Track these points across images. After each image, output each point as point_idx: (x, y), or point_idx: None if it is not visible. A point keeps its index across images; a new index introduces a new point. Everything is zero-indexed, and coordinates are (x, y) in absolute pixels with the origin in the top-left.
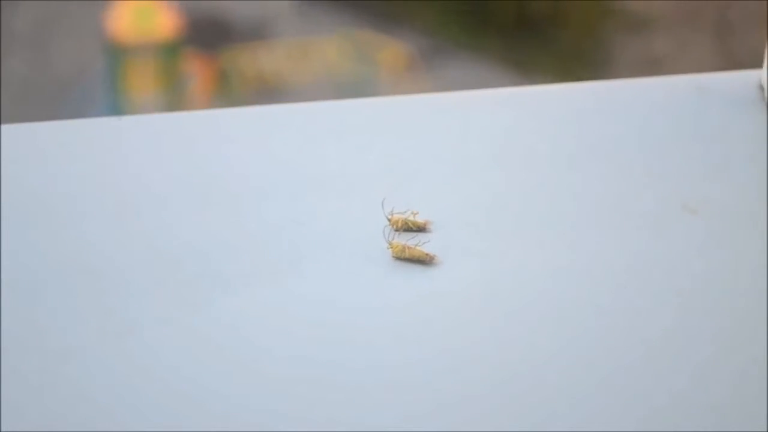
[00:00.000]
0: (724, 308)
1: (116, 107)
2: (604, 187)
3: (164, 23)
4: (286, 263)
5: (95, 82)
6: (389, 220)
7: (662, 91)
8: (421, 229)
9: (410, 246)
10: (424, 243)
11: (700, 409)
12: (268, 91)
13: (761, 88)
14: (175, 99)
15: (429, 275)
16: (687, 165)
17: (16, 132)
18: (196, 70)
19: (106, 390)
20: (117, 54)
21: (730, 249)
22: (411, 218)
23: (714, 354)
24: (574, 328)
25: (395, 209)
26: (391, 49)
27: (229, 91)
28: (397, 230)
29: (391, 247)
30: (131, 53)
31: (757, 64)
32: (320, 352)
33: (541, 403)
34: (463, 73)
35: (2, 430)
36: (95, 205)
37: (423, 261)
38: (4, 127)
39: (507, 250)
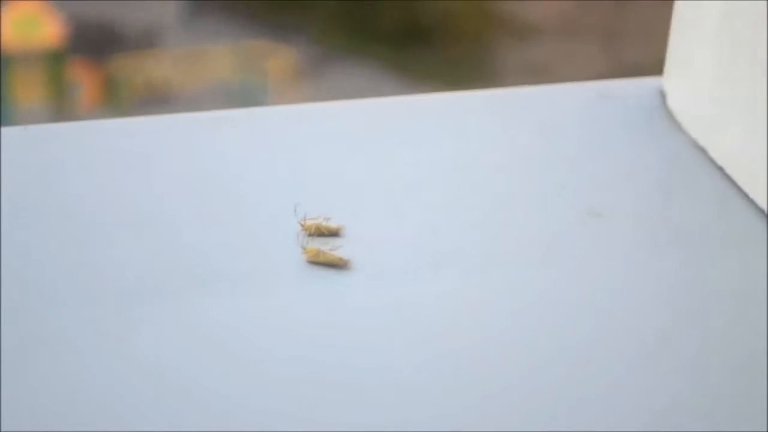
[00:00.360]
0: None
1: (2, 116)
2: (506, 196)
3: (49, 31)
4: (198, 277)
5: None
6: (302, 225)
7: (563, 99)
8: (333, 233)
9: (324, 251)
10: (338, 247)
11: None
12: (156, 100)
13: (662, 94)
14: (62, 107)
15: (343, 281)
16: (590, 172)
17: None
18: (83, 78)
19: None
20: (2, 62)
21: (636, 252)
22: (323, 223)
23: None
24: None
25: (307, 215)
26: (280, 58)
27: (117, 99)
28: (310, 235)
29: (306, 252)
30: (16, 62)
31: (652, 72)
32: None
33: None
34: (351, 80)
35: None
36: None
37: (338, 265)
38: None
39: (418, 256)
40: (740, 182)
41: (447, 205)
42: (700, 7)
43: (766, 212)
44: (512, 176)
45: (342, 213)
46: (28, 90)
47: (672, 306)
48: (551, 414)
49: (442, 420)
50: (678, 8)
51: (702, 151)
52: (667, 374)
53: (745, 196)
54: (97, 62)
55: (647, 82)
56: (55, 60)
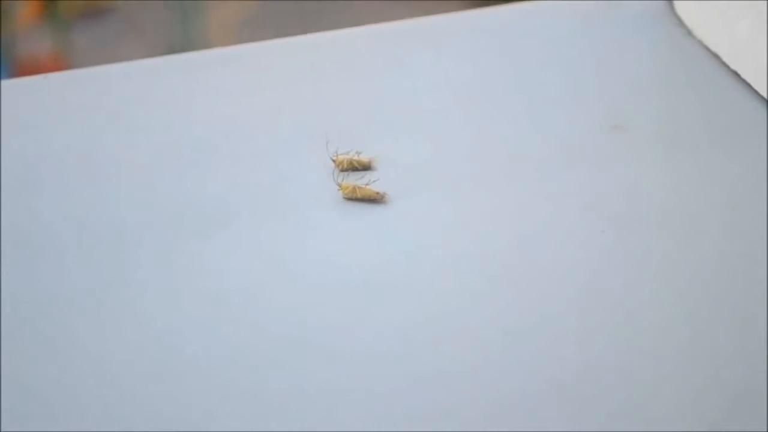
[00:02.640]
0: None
1: None
2: (524, 111)
3: None
4: (245, 215)
5: None
6: (334, 161)
7: (571, 11)
8: (366, 167)
9: (360, 186)
10: (373, 181)
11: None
12: (95, 13)
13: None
14: (1, 25)
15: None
16: (607, 84)
17: None
18: None
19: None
20: None
21: (663, 164)
22: (355, 157)
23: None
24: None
25: (339, 150)
26: None
27: (55, 14)
28: (343, 170)
29: (342, 189)
30: None
31: None
32: (291, 299)
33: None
34: None
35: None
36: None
37: (374, 199)
38: None
39: (452, 185)
40: (751, 81)
41: (466, 125)
42: None
43: None
44: (527, 91)
45: (371, 143)
46: None
47: (690, 211)
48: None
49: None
50: None
51: (713, 55)
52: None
53: (758, 95)
54: None
55: None
56: None
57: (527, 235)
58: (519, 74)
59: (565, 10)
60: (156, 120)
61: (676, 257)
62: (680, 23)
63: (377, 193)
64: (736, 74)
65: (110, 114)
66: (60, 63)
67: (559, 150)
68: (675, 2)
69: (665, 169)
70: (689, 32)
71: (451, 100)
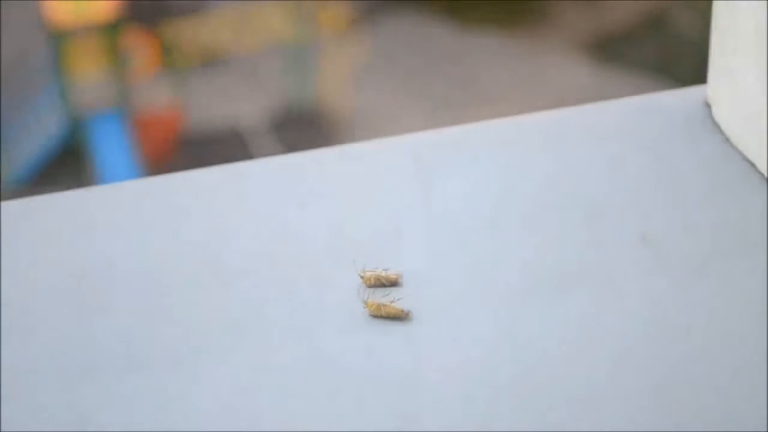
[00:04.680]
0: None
1: (61, 89)
2: (558, 226)
3: (102, 4)
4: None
5: (38, 66)
6: (362, 277)
7: (607, 115)
8: (393, 284)
9: (385, 304)
10: (398, 299)
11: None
12: (212, 62)
13: (707, 104)
14: (119, 77)
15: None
16: (639, 191)
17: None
18: (138, 47)
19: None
20: (58, 37)
21: (691, 279)
22: (383, 274)
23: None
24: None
25: (366, 267)
26: (332, 10)
27: (174, 65)
28: (370, 286)
29: (368, 306)
30: (71, 36)
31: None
32: (321, 408)
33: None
34: (405, 28)
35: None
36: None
37: (399, 317)
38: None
39: (478, 301)
40: None
41: (493, 238)
42: (738, 14)
43: None
44: (556, 202)
45: (396, 257)
46: (85, 63)
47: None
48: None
49: None
50: (716, 15)
51: (750, 164)
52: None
53: None
54: (151, 30)
55: (692, 93)
56: (109, 31)
57: (552, 351)
58: (548, 184)
59: (600, 114)
60: (177, 236)
61: (702, 374)
62: (717, 129)
63: (402, 311)
64: None
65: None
66: (176, 115)
67: (588, 263)
68: (713, 109)
69: (693, 285)
70: (726, 139)
71: (480, 212)
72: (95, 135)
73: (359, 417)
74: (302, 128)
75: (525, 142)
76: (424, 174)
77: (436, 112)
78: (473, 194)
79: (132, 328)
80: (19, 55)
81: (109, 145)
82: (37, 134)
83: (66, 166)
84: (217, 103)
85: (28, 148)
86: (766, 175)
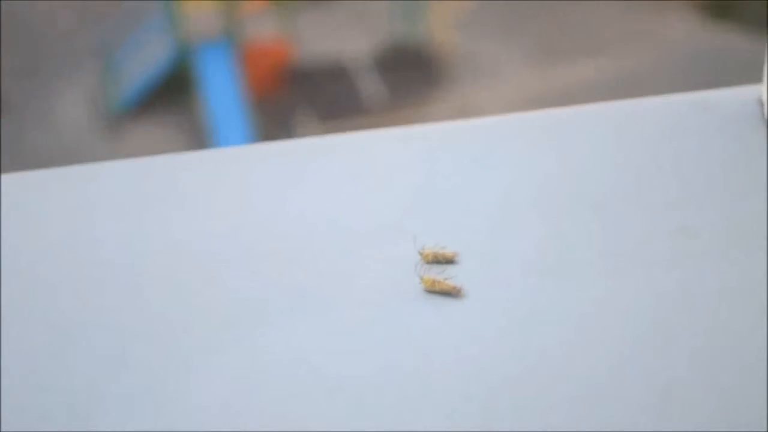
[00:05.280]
0: (725, 317)
1: (171, 16)
2: (606, 211)
3: None
4: (336, 294)
5: None
6: (421, 254)
7: (661, 111)
8: (449, 261)
9: (439, 280)
10: (452, 277)
11: (701, 408)
12: (321, 2)
13: (761, 103)
14: (229, 6)
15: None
16: (689, 186)
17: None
18: None
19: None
20: None
21: (734, 270)
22: (440, 251)
23: (715, 356)
24: (593, 354)
25: (426, 244)
26: None
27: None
28: (428, 263)
29: (423, 281)
30: None
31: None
32: (370, 373)
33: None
34: None
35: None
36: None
37: (451, 293)
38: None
39: (527, 281)
40: None
41: (546, 223)
42: None
43: None
44: (611, 192)
45: (455, 237)
46: None
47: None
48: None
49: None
50: None
51: None
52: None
53: None
54: None
55: (746, 91)
56: None
57: (597, 332)
58: (598, 173)
59: (654, 109)
60: (242, 209)
61: (742, 363)
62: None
63: (454, 287)
64: None
65: (174, 201)
66: (284, 48)
67: (632, 248)
68: (766, 106)
69: (731, 276)
70: None
71: (530, 197)
72: (203, 63)
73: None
74: (406, 67)
75: (579, 132)
76: (474, 158)
77: (539, 59)
78: (522, 181)
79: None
80: None
81: (217, 73)
82: (147, 60)
83: (173, 92)
84: (325, 39)
85: (138, 73)
86: None
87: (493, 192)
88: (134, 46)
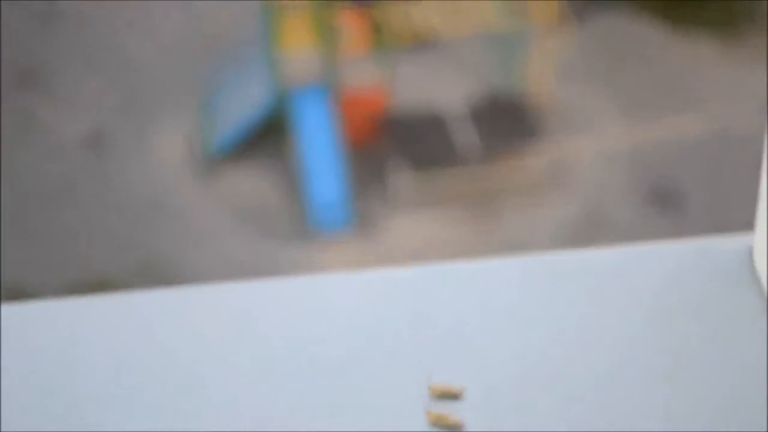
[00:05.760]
0: None
1: (270, 60)
2: (591, 361)
3: None
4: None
5: (249, 36)
6: (430, 390)
7: (650, 260)
8: (456, 396)
9: (444, 415)
10: (457, 412)
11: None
12: (420, 46)
13: (751, 255)
14: (329, 52)
15: None
16: (670, 338)
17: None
18: (350, 24)
19: None
20: (271, 8)
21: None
22: (448, 387)
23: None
24: None
25: (434, 380)
26: (544, 3)
27: (382, 45)
28: (437, 398)
29: (429, 415)
30: (285, 9)
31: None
32: None
33: None
34: (616, 27)
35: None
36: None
37: (453, 428)
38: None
39: (523, 415)
40: None
41: (542, 362)
42: None
43: None
44: (597, 343)
45: (463, 375)
46: (296, 36)
47: None
48: None
49: None
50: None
51: None
52: None
53: None
54: (364, 8)
55: (739, 241)
56: (323, 6)
57: None
58: (593, 319)
59: (646, 258)
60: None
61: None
62: (756, 278)
63: (456, 422)
64: None
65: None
66: (381, 95)
67: (616, 399)
68: (755, 259)
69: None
70: (763, 289)
71: (529, 338)
72: (300, 108)
73: None
74: (501, 118)
75: (578, 278)
76: (481, 299)
77: (634, 113)
78: (524, 322)
79: None
80: (231, 24)
81: (313, 118)
82: (245, 103)
83: (269, 136)
84: (422, 86)
85: (235, 116)
86: None
87: (493, 331)
88: (233, 88)
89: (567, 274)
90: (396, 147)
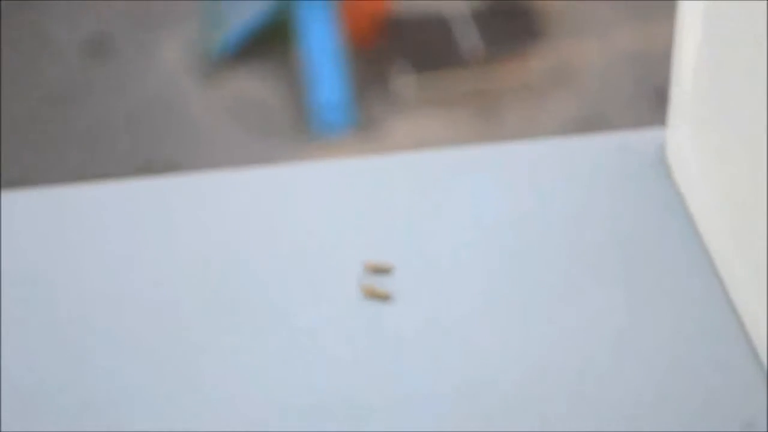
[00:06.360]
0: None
1: None
2: (517, 254)
3: None
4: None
5: None
6: (365, 266)
7: (572, 151)
8: (386, 271)
9: (374, 287)
10: (386, 284)
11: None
12: None
13: (663, 149)
14: None
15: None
16: (594, 231)
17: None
18: None
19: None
20: None
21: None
22: (380, 263)
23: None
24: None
25: (369, 257)
26: None
27: None
28: (370, 273)
29: (362, 287)
30: None
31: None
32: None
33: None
34: None
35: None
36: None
37: (382, 297)
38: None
39: (453, 291)
40: (711, 249)
41: (465, 253)
42: (697, 59)
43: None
44: (518, 229)
45: (396, 255)
46: None
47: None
48: None
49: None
50: (677, 58)
51: (684, 205)
52: None
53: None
54: None
55: (652, 134)
56: None
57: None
58: (518, 208)
59: (570, 148)
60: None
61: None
62: (667, 170)
63: (385, 292)
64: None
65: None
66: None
67: (540, 280)
68: (667, 152)
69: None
70: (672, 181)
71: (456, 221)
72: (303, 11)
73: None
74: (505, 20)
75: (516, 168)
76: (424, 190)
77: (641, 16)
78: (461, 208)
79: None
80: None
81: (316, 20)
82: (246, 6)
83: (272, 40)
84: None
85: (237, 19)
86: (693, 218)
87: (431, 217)
88: None
89: (483, 167)
90: (399, 49)
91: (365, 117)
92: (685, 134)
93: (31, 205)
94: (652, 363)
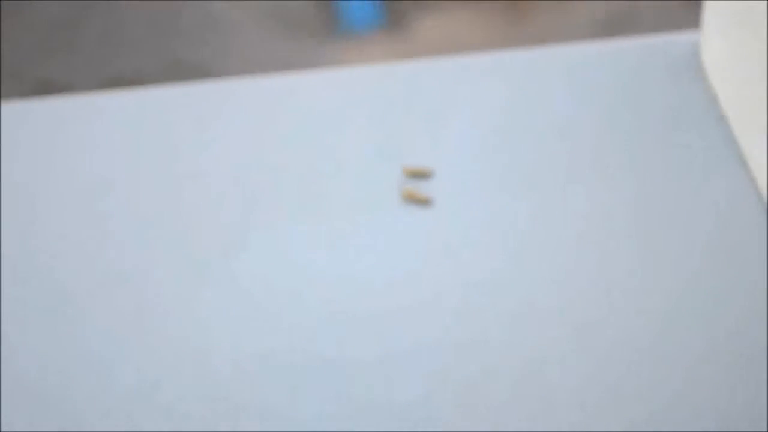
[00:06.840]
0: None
1: None
2: (546, 155)
3: None
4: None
5: None
6: (404, 170)
7: (604, 54)
8: (426, 175)
9: (414, 191)
10: (426, 188)
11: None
12: None
13: (698, 51)
14: None
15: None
16: (625, 134)
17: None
18: None
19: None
20: None
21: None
22: (419, 168)
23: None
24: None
25: (408, 161)
26: None
27: None
28: (409, 177)
29: (402, 191)
30: None
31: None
32: (355, 271)
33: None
34: None
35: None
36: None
37: (422, 202)
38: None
39: (493, 196)
40: (741, 140)
41: (501, 149)
42: None
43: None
44: (553, 134)
45: (434, 158)
46: None
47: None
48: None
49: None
50: None
51: (717, 103)
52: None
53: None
54: None
55: (686, 38)
56: None
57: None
58: (552, 112)
59: (597, 52)
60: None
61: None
62: (702, 71)
63: (425, 197)
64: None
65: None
66: None
67: (565, 166)
68: (702, 50)
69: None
70: (707, 81)
71: (491, 126)
72: None
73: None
74: None
75: (539, 72)
76: (454, 95)
77: None
78: (485, 113)
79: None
80: None
81: None
82: None
83: None
84: None
85: None
86: (727, 116)
87: (463, 123)
88: None
89: (517, 72)
90: None
91: (393, 14)
92: (719, 38)
93: (61, 112)
94: (687, 249)
